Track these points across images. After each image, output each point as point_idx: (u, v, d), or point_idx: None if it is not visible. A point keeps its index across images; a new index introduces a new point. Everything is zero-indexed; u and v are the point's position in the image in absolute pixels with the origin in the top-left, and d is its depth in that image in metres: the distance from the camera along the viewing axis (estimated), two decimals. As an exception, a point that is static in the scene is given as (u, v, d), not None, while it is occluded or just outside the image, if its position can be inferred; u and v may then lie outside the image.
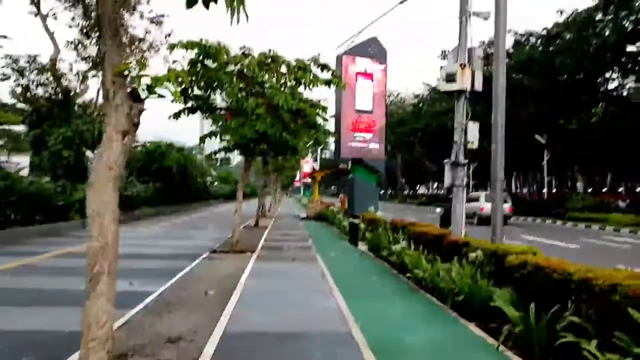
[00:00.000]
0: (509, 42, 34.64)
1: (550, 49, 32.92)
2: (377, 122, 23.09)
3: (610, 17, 27.91)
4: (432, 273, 8.20)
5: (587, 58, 31.94)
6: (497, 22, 7.98)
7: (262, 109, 13.07)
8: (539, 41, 33.35)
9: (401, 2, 25.61)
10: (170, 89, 4.40)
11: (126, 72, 4.22)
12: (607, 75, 34.25)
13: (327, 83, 13.82)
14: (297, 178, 68.47)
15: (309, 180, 69.28)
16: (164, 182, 31.87)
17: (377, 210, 21.11)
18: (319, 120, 13.93)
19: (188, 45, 12.32)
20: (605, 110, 37.73)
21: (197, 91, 13.55)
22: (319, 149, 63.17)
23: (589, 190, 67.09)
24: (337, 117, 23.05)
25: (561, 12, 29.88)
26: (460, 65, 8.98)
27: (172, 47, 13.09)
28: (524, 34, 33.21)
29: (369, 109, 22.68)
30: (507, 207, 26.85)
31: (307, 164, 65.75)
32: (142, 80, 4.17)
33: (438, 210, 22.56)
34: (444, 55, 37.19)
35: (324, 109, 13.88)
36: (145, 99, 4.34)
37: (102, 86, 4.15)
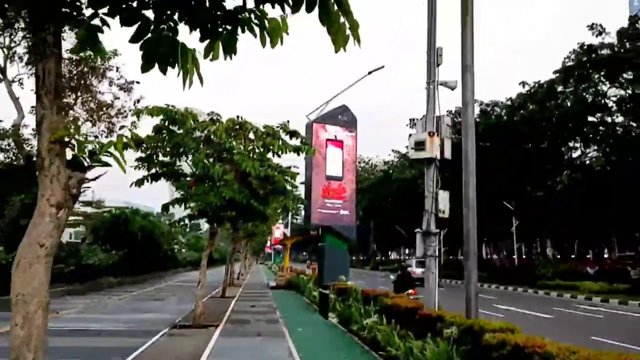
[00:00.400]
0: (474, 111, 35.73)
1: (515, 118, 33.96)
2: (347, 189, 22.92)
3: (570, 89, 29.09)
4: (405, 351, 7.68)
5: (550, 128, 32.98)
6: (464, 86, 7.96)
7: (229, 175, 12.75)
8: (503, 111, 34.43)
9: (370, 73, 26.32)
10: (117, 157, 4.01)
11: (67, 138, 3.83)
12: (571, 144, 35.34)
13: (297, 150, 13.66)
14: (268, 244, 67.38)
15: (280, 246, 68.39)
16: (129, 250, 30.72)
17: (348, 278, 20.55)
18: (288, 187, 13.62)
19: (154, 111, 12.10)
20: (569, 177, 38.69)
21: (162, 157, 13.25)
22: (289, 215, 62.81)
23: (558, 256, 67.76)
24: (307, 184, 22.81)
25: (524, 84, 31.08)
26: (429, 133, 8.89)
27: (138, 114, 12.87)
28: (489, 103, 34.30)
29: (339, 175, 22.57)
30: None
31: (278, 230, 65.04)
32: (84, 146, 3.78)
33: (392, 276, 22.21)
34: (412, 123, 37.97)
35: (293, 175, 13.63)
36: (87, 167, 3.94)
37: (37, 154, 3.75)
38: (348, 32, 3.37)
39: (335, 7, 3.30)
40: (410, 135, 9.34)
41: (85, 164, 4.05)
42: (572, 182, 37.45)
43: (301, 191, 22.76)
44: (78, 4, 3.53)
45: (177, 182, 12.64)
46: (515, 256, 56.07)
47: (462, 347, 6.52)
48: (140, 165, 12.93)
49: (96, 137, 26.12)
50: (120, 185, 13.03)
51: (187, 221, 13.46)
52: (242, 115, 13.13)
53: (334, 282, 18.41)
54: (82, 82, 25.98)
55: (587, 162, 38.09)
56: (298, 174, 14.07)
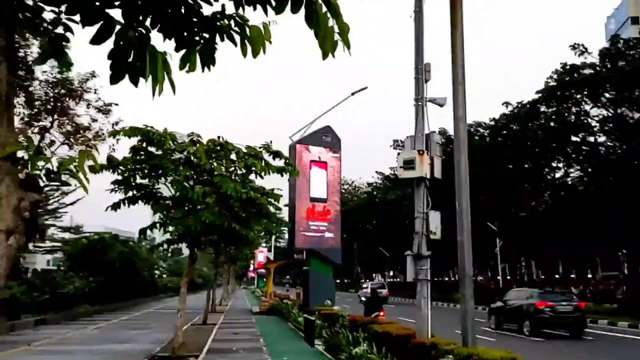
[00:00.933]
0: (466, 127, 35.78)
1: (499, 139, 34.02)
2: (332, 211, 22.52)
3: (553, 109, 29.22)
4: (399, 383, 7.20)
5: (533, 148, 33.06)
6: (455, 100, 7.65)
7: (210, 198, 12.26)
8: (487, 132, 34.50)
9: (353, 94, 26.17)
10: (79, 177, 3.53)
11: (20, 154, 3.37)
12: (554, 164, 35.45)
13: (280, 171, 13.23)
14: (251, 268, 66.26)
15: (263, 270, 67.37)
16: (107, 277, 29.71)
17: (334, 303, 20.02)
18: (272, 209, 13.14)
19: (130, 132, 11.62)
20: (552, 198, 38.75)
21: (140, 180, 12.71)
22: (273, 239, 62.08)
23: (542, 277, 67.88)
24: (291, 206, 22.37)
25: (507, 104, 31.15)
26: (419, 151, 8.54)
27: (114, 134, 12.35)
28: (472, 124, 34.35)
29: (323, 197, 22.17)
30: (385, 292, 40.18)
31: (261, 254, 64.12)
32: (39, 163, 3.32)
33: (363, 298, 21.91)
34: (396, 144, 37.91)
35: (277, 197, 13.17)
36: (43, 188, 3.46)
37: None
38: (337, 37, 3.03)
39: (324, 9, 2.95)
40: (398, 153, 9.00)
41: (41, 184, 3.59)
42: (555, 203, 37.47)
43: (285, 214, 22.31)
44: (35, 6, 3.11)
45: (155, 206, 12.07)
46: (499, 277, 55.93)
47: (461, 379, 6.07)
48: (117, 188, 12.37)
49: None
50: (100, 211, 12.45)
51: (166, 246, 12.86)
52: (223, 136, 12.70)
53: (320, 307, 17.88)
54: (59, 104, 25.39)
55: (570, 182, 38.27)
56: (281, 196, 13.62)
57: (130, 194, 12.43)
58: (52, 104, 25.42)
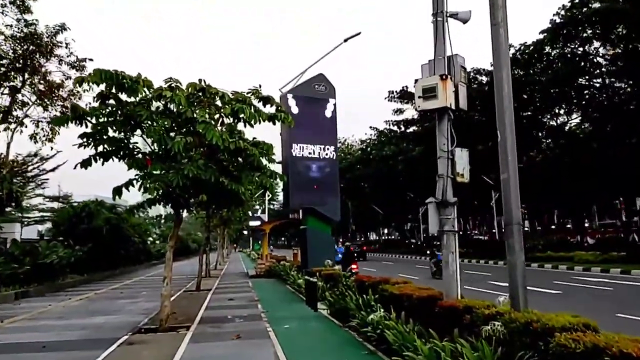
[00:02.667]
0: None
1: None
2: (328, 164, 21.02)
3: (558, 51, 27.55)
4: (429, 356, 5.87)
5: (534, 93, 31.57)
6: (493, 13, 6.05)
7: (196, 154, 10.73)
8: (486, 78, 32.81)
9: (346, 40, 24.28)
10: None
11: None
12: (555, 110, 34.00)
13: (272, 118, 11.67)
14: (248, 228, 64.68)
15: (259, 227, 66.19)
16: (94, 245, 28.33)
17: (335, 263, 18.80)
18: (264, 161, 11.59)
19: (96, 77, 9.93)
20: (552, 146, 37.43)
21: (113, 133, 11.12)
22: (266, 201, 60.75)
23: (538, 228, 67.45)
24: (285, 163, 20.86)
25: (509, 47, 29.36)
26: (441, 76, 6.99)
27: (80, 82, 10.62)
28: (470, 71, 32.60)
29: (318, 150, 20.63)
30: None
31: (255, 216, 62.85)
32: None
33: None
34: (390, 96, 36.16)
35: (269, 148, 11.61)
36: None
37: None
38: None
39: None
40: (415, 81, 7.44)
41: None
42: (556, 151, 36.20)
43: (278, 169, 20.84)
44: None
45: (129, 160, 10.49)
46: (495, 230, 55.26)
47: (519, 353, 4.71)
48: (85, 143, 10.79)
49: (49, 122, 23.66)
50: (91, 181, 10.89)
51: (147, 207, 11.34)
52: (204, 79, 11.02)
53: (320, 268, 16.64)
54: (29, 62, 23.41)
55: (571, 129, 36.97)
56: (274, 146, 12.05)
57: (101, 148, 10.90)
58: (21, 61, 23.46)
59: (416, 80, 7.42)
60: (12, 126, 22.67)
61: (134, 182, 10.61)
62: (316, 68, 50.03)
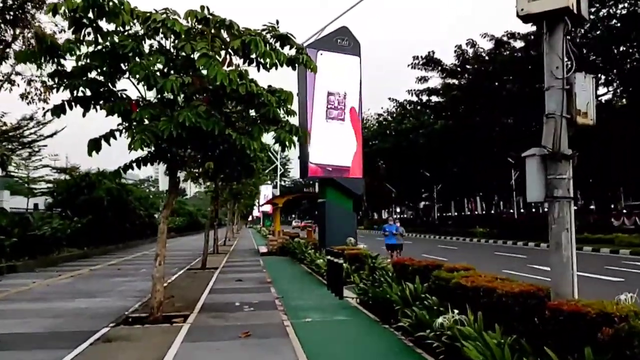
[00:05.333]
0: (487, 46, 31.28)
1: (532, 53, 29.53)
2: (352, 130, 18.64)
3: (605, 11, 24.74)
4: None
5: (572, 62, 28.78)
6: None
7: (196, 100, 8.40)
8: (521, 43, 29.93)
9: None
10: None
11: None
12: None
13: (292, 62, 9.28)
14: (259, 203, 62.42)
15: (268, 209, 64.24)
16: (95, 217, 26.32)
17: (357, 242, 16.59)
18: (282, 113, 9.22)
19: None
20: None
21: (94, 75, 8.82)
22: (278, 175, 58.60)
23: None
24: (303, 127, 18.45)
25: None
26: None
27: (53, 11, 8.23)
28: (504, 34, 29.76)
29: (341, 116, 18.22)
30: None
31: (266, 190, 60.86)
32: None
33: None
34: (414, 63, 33.43)
35: (289, 96, 9.24)
36: None
37: None
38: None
39: None
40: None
41: None
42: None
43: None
44: None
45: (108, 104, 8.16)
46: (513, 210, 52.65)
47: None
48: (57, 85, 8.51)
49: (44, 82, 21.45)
50: (101, 154, 8.58)
51: (135, 167, 9.04)
52: (207, 6, 8.62)
53: (342, 246, 14.41)
54: (20, 13, 21.11)
55: (607, 100, 34.07)
56: (293, 94, 9.67)
57: (79, 93, 8.60)
58: (12, 13, 21.17)
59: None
60: (-1, 83, 20.43)
61: (117, 133, 8.32)
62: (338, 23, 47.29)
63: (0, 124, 21.14)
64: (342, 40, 18.20)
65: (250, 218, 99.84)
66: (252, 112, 9.50)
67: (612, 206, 58.49)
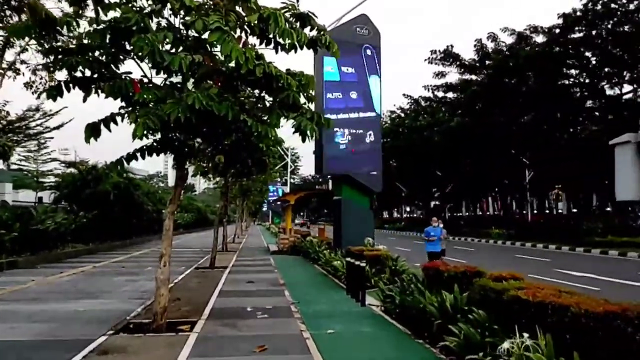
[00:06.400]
0: (508, 40, 30.14)
1: (556, 48, 28.32)
2: (371, 123, 17.63)
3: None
4: None
5: (597, 56, 27.59)
6: None
7: (207, 82, 7.47)
8: (542, 39, 28.74)
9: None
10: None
11: None
12: (614, 79, 29.87)
13: (313, 43, 8.32)
14: (272, 196, 61.27)
15: (278, 203, 63.32)
16: (101, 212, 25.53)
17: (374, 242, 15.62)
18: (302, 99, 8.26)
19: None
20: (609, 119, 33.27)
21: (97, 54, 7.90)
22: (288, 172, 57.70)
23: (574, 210, 63.47)
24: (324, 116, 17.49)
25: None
26: None
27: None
28: (526, 28, 28.53)
29: (359, 105, 17.24)
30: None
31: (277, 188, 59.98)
32: None
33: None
34: (432, 58, 32.33)
35: (310, 80, 8.27)
36: None
37: None
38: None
39: None
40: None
41: None
42: (611, 124, 32.06)
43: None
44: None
45: (107, 84, 7.23)
46: (526, 211, 51.34)
47: None
48: (53, 64, 7.62)
49: (48, 67, 20.66)
50: (112, 149, 7.69)
51: (139, 157, 8.13)
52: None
53: (360, 247, 13.46)
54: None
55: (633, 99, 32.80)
56: (314, 79, 8.71)
57: (78, 73, 7.70)
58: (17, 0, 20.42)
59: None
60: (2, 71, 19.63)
61: (118, 118, 7.39)
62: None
63: (4, 114, 20.37)
64: (362, 29, 17.21)
65: (258, 215, 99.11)
66: (268, 98, 8.55)
67: (630, 208, 56.90)
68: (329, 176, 24.61)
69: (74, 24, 7.43)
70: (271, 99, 8.35)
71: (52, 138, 28.85)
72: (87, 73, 7.74)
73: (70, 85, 7.73)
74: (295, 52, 8.34)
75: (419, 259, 15.32)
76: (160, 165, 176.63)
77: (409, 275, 9.29)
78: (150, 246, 29.19)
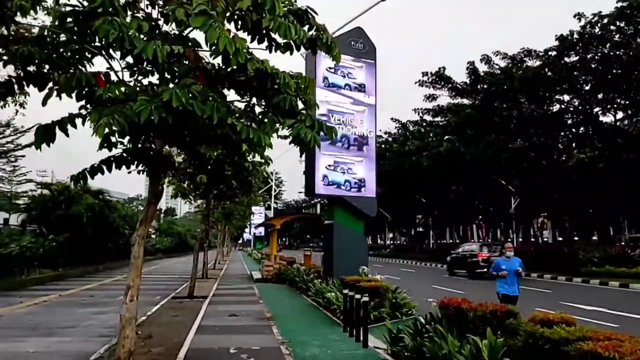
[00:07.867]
0: (501, 63, 29.54)
1: (546, 72, 27.73)
2: (365, 141, 16.51)
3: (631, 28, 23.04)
4: None
5: (593, 81, 27.04)
6: None
7: (188, 79, 6.22)
8: (534, 62, 28.16)
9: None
10: None
11: None
12: (608, 106, 29.37)
13: (312, 43, 7.14)
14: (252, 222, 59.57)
15: (259, 232, 61.71)
16: (73, 235, 23.84)
17: (368, 271, 14.31)
18: (300, 104, 7.05)
19: None
20: (600, 148, 32.67)
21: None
22: (272, 196, 56.25)
23: (559, 239, 62.84)
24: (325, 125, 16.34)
25: (580, 17, 24.37)
26: None
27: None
28: (519, 52, 27.96)
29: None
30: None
31: (260, 213, 58.45)
32: None
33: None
34: (422, 81, 31.58)
35: (310, 83, 7.09)
36: None
37: None
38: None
39: None
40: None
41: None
42: (604, 152, 31.44)
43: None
44: None
45: (64, 76, 5.93)
46: (511, 239, 50.54)
47: None
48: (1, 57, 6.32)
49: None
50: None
51: (106, 170, 6.81)
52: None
53: (356, 277, 12.19)
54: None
55: (625, 127, 32.36)
56: (313, 82, 7.54)
57: (32, 68, 6.40)
58: None
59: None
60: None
61: (78, 119, 6.06)
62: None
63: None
64: (357, 43, 16.20)
65: (240, 240, 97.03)
66: (256, 101, 7.33)
67: (622, 237, 56.58)
68: (317, 200, 23.34)
69: (29, 8, 6.17)
70: (264, 103, 7.14)
71: (23, 156, 27.17)
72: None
73: (24, 82, 6.44)
74: (291, 53, 7.17)
75: (411, 288, 14.03)
76: (141, 187, 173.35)
77: (409, 308, 7.98)
78: (125, 272, 27.35)
